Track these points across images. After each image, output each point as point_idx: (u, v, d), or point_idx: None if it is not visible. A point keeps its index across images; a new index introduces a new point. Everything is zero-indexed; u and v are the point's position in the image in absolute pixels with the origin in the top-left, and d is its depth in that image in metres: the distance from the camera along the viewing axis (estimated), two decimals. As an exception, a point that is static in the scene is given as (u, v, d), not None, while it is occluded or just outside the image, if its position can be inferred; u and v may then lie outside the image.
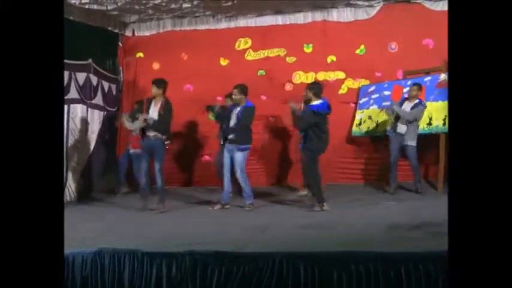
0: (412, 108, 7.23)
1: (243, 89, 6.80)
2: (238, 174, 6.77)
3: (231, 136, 6.80)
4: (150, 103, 6.91)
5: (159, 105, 6.82)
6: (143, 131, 6.88)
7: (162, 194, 6.94)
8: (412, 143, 7.20)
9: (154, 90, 6.87)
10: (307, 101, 6.67)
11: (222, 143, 7.12)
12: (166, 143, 6.93)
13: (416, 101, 7.26)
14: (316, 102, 6.48)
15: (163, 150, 6.89)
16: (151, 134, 6.79)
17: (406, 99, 7.38)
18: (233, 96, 6.83)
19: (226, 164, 6.87)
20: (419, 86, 7.36)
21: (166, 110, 6.83)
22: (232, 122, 6.81)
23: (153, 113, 6.81)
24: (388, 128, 7.52)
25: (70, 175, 7.91)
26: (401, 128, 7.22)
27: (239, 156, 6.75)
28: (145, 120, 6.79)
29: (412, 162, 7.28)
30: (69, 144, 7.90)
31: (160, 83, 6.91)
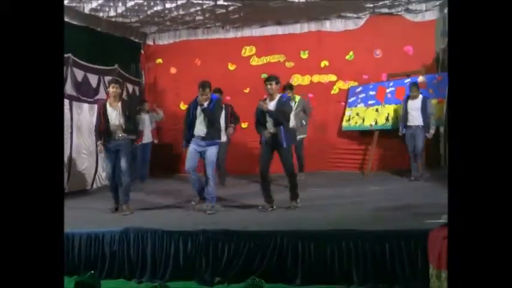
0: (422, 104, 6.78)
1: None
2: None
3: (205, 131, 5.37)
4: (105, 107, 5.46)
5: (119, 106, 5.43)
6: (108, 133, 5.43)
7: (126, 195, 5.57)
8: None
9: (117, 90, 5.46)
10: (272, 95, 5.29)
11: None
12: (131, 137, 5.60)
13: (420, 97, 6.83)
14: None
15: (130, 149, 5.63)
16: (119, 135, 5.42)
17: (409, 97, 6.97)
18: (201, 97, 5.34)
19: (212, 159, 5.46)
20: (417, 86, 6.93)
21: (131, 109, 5.71)
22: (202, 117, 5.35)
23: (116, 115, 5.41)
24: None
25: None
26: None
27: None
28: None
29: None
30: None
31: (119, 81, 5.70)
